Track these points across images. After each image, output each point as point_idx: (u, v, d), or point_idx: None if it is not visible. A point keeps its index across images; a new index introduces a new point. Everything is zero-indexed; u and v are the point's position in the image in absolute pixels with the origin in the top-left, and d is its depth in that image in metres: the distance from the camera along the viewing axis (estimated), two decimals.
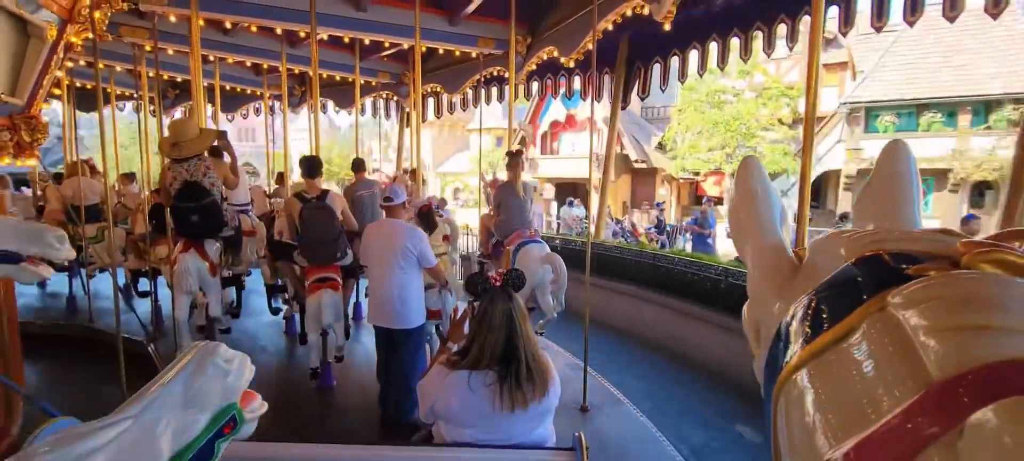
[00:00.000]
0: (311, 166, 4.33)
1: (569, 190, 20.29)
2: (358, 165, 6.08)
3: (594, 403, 4.16)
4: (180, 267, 3.80)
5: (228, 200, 4.60)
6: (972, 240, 0.51)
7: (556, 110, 22.50)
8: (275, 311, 6.13)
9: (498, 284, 1.73)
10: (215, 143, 4.53)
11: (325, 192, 4.27)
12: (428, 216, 4.46)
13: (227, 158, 4.66)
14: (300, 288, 4.39)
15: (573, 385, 4.36)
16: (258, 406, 1.56)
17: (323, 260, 4.10)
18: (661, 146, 21.13)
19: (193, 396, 1.32)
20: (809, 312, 0.58)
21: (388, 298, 3.47)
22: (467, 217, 21.99)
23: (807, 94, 2.64)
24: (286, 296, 5.72)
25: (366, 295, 4.34)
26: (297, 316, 5.26)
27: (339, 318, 4.13)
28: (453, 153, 30.85)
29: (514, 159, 4.86)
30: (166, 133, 4.32)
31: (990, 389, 0.36)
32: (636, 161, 21.04)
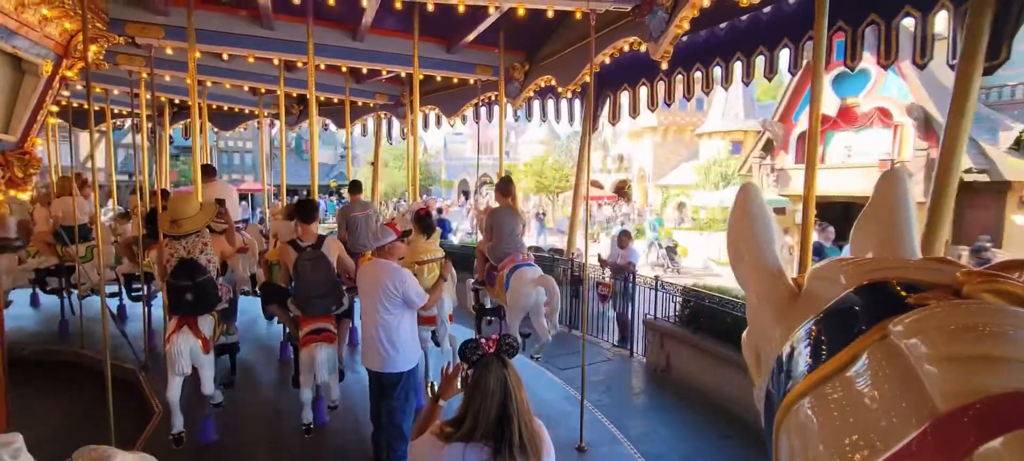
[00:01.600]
0: (307, 211, 4.25)
1: (839, 215, 12.06)
2: (354, 187, 6.05)
3: (591, 442, 4.09)
4: (173, 350, 3.68)
5: (222, 274, 4.52)
6: (973, 270, 0.50)
7: (824, 100, 15.45)
8: (270, 316, 6.09)
9: (491, 351, 1.71)
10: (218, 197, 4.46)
11: (321, 239, 4.19)
12: (425, 219, 4.41)
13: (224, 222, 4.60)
14: (294, 330, 4.32)
15: (570, 421, 4.30)
16: None
17: (317, 312, 4.03)
18: (1021, 145, 13.29)
19: None
20: (810, 340, 0.57)
21: (375, 340, 3.40)
22: (687, 240, 18.44)
23: (812, 105, 2.52)
24: None
25: None
26: (291, 346, 5.22)
27: (334, 371, 4.03)
28: (679, 162, 26.92)
29: (506, 185, 4.91)
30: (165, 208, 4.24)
31: (998, 421, 0.36)
32: (969, 171, 12.57)
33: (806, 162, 2.56)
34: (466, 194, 37.26)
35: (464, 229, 19.87)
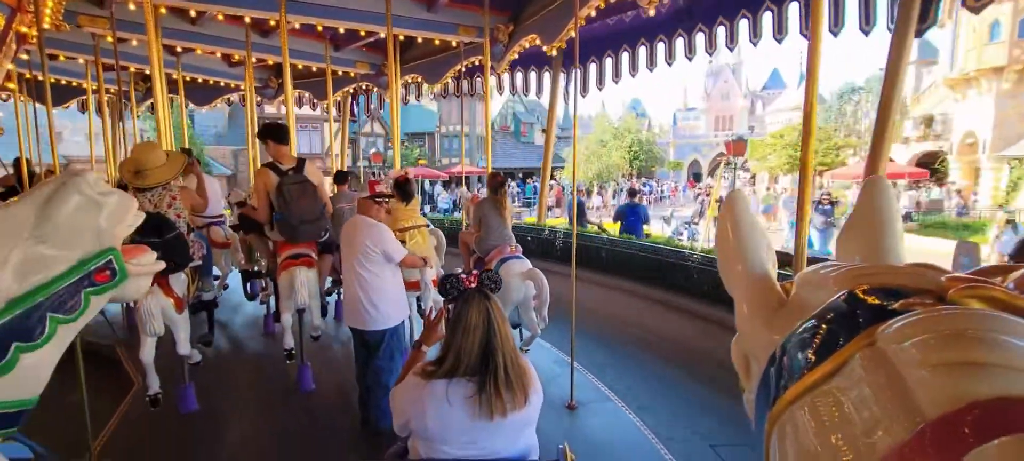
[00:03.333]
0: (278, 131, 3.99)
1: None
2: (341, 177, 5.90)
3: (581, 400, 4.08)
4: (143, 310, 3.43)
5: (194, 224, 4.30)
6: (957, 275, 0.51)
7: None
8: (251, 297, 5.96)
9: (473, 285, 1.63)
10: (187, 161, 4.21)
11: (301, 161, 3.99)
12: (405, 186, 4.32)
13: (194, 179, 4.38)
14: (271, 262, 4.21)
15: (560, 381, 4.30)
16: (150, 261, 1.31)
17: (303, 238, 3.91)
18: None
19: (51, 228, 1.09)
20: (799, 347, 0.58)
21: (356, 299, 3.35)
22: None
23: (807, 85, 2.38)
24: (264, 283, 5.62)
25: None
26: (275, 311, 5.10)
27: (315, 296, 3.96)
28: None
29: (499, 187, 4.89)
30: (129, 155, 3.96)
31: (989, 427, 0.36)
32: None
33: (801, 161, 2.24)
34: (697, 177, 32.43)
35: (681, 217, 15.91)
